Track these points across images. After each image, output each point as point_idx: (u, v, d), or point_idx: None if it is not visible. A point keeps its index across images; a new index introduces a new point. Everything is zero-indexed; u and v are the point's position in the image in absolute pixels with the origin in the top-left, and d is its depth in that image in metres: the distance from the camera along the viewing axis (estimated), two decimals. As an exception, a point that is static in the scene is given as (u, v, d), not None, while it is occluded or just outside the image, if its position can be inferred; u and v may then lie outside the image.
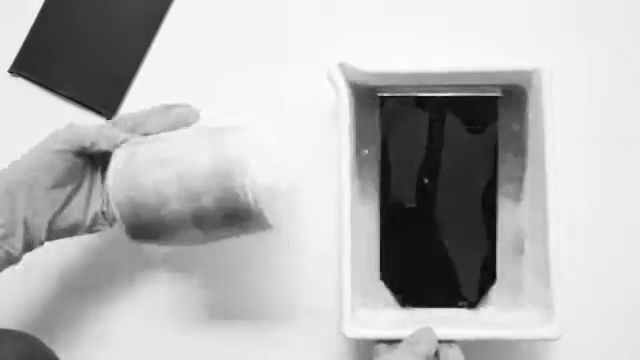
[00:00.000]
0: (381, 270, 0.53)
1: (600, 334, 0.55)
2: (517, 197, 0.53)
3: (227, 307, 0.56)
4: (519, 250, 0.53)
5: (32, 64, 0.58)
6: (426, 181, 0.53)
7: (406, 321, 0.51)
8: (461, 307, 0.53)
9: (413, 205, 0.53)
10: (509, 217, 0.53)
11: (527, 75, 0.51)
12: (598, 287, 0.55)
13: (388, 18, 0.57)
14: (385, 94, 0.53)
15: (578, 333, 0.54)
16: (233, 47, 0.58)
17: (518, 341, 0.53)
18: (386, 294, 0.53)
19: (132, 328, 0.56)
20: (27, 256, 0.46)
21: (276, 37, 0.58)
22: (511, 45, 0.57)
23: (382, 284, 0.53)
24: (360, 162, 0.54)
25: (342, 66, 0.51)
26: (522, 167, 0.53)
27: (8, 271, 0.45)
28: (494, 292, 0.53)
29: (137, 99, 0.58)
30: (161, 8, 0.58)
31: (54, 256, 0.56)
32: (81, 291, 0.56)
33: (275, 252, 0.56)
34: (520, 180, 0.53)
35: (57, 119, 0.57)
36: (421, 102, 0.53)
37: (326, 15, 0.58)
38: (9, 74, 0.58)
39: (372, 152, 0.54)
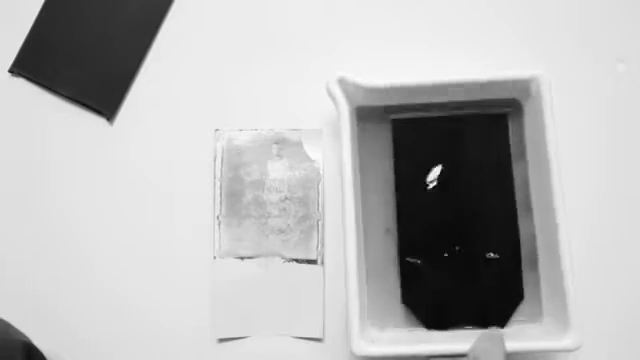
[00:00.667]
0: (402, 293, 0.52)
1: (621, 341, 0.54)
2: (527, 208, 0.53)
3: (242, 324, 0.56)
4: (533, 261, 0.52)
5: (32, 64, 0.58)
6: (444, 199, 0.52)
7: (421, 338, 0.50)
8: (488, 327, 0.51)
9: (432, 224, 0.52)
10: (522, 229, 0.53)
11: (524, 84, 0.50)
12: (616, 294, 0.54)
13: (396, 33, 0.57)
14: (394, 115, 0.53)
15: (598, 342, 0.54)
16: (234, 48, 0.58)
17: (536, 353, 0.51)
18: (403, 313, 0.53)
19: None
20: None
21: (280, 38, 0.58)
22: (504, 57, 0.57)
23: (400, 303, 0.52)
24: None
25: (342, 81, 0.50)
26: (527, 178, 0.53)
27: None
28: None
29: (137, 99, 0.58)
30: (161, 8, 0.58)
31: (57, 260, 0.56)
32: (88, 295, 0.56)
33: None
34: (527, 191, 0.53)
35: (57, 119, 0.58)
36: (432, 120, 0.53)
37: (336, 29, 0.58)
38: (9, 74, 0.58)
39: (380, 171, 0.54)
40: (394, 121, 0.53)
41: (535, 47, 0.57)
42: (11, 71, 0.58)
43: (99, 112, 0.58)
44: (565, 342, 0.48)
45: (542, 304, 0.52)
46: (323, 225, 0.56)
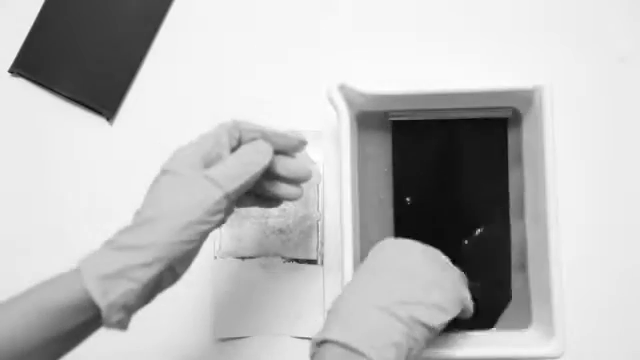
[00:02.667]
0: None
1: (604, 350, 0.55)
2: (520, 213, 0.53)
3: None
4: (522, 267, 0.52)
5: (32, 64, 0.58)
6: (440, 200, 0.53)
7: None
8: (476, 329, 0.51)
9: (427, 226, 0.53)
10: (513, 234, 0.53)
11: (526, 94, 0.50)
12: (602, 302, 0.55)
13: (393, 43, 0.58)
14: (394, 118, 0.53)
15: (581, 350, 0.54)
16: (235, 49, 0.58)
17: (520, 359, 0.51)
18: None
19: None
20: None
21: (281, 39, 0.58)
22: (506, 66, 0.57)
23: None
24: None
25: (342, 88, 0.50)
26: (522, 183, 0.53)
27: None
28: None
29: (137, 99, 0.58)
30: (161, 8, 0.58)
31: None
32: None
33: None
34: (522, 196, 0.53)
35: (57, 119, 0.58)
36: (431, 125, 0.53)
37: (337, 31, 0.58)
38: (9, 74, 0.58)
39: (380, 172, 0.54)
40: (394, 123, 0.53)
41: (535, 49, 0.57)
42: (11, 71, 0.58)
43: (99, 112, 0.58)
44: (548, 349, 0.48)
45: (530, 310, 0.52)
46: (323, 225, 0.56)
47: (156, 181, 0.41)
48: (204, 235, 0.40)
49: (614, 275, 0.55)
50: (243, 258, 0.55)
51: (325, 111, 0.51)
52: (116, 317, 0.37)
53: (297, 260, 0.55)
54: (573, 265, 0.53)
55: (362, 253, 0.52)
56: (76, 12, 0.58)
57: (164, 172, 0.41)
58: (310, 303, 0.55)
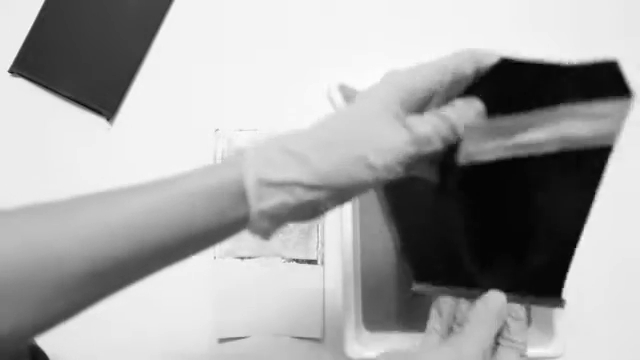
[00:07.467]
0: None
1: (604, 350, 0.55)
2: None
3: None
4: None
5: (32, 64, 0.58)
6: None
7: (413, 341, 0.51)
8: None
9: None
10: None
11: None
12: (602, 302, 0.55)
13: (392, 43, 0.58)
14: None
15: (581, 350, 0.54)
16: (234, 48, 0.58)
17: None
18: (398, 316, 0.53)
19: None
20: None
21: (280, 38, 0.58)
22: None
23: (390, 308, 0.52)
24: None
25: (342, 88, 0.50)
26: None
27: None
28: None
29: (137, 99, 0.58)
30: (161, 8, 0.58)
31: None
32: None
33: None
34: None
35: (57, 119, 0.58)
36: None
37: (335, 30, 0.58)
38: (9, 74, 0.58)
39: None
40: None
41: (535, 49, 0.57)
42: (11, 71, 0.58)
43: (99, 112, 0.58)
44: (548, 349, 0.48)
45: (530, 310, 0.52)
46: (323, 225, 0.56)
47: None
48: (378, 183, 0.36)
49: (614, 275, 0.55)
50: (242, 258, 0.55)
51: (324, 110, 0.51)
52: (262, 224, 0.34)
53: (297, 260, 0.55)
54: (573, 265, 0.53)
55: (362, 253, 0.52)
56: (76, 12, 0.58)
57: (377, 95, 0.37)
58: (310, 303, 0.55)
